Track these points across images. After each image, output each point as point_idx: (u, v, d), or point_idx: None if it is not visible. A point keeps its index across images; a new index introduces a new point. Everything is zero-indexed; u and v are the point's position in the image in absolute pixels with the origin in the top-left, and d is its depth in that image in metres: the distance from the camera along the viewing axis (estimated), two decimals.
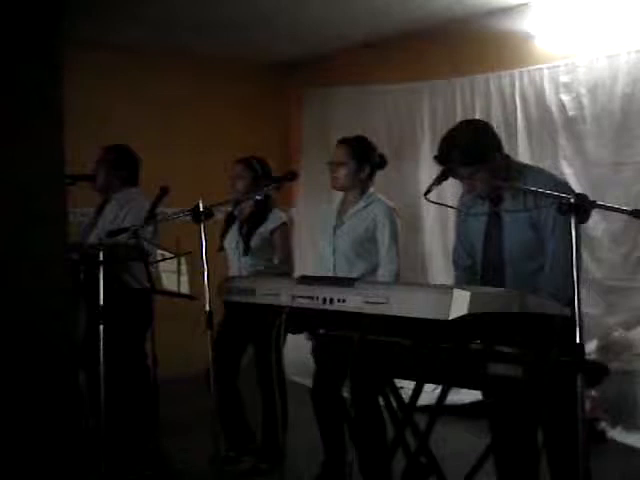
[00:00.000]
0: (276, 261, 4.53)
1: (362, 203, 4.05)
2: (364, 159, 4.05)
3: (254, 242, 4.49)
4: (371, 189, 4.09)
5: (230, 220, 4.67)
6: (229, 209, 4.77)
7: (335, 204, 4.22)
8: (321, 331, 3.20)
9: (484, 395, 3.39)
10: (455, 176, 3.17)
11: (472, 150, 3.15)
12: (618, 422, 5.13)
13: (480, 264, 3.32)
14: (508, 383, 2.53)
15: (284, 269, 4.48)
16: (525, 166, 3.41)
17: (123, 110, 6.63)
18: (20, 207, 3.29)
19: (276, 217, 4.54)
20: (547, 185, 2.95)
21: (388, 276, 3.93)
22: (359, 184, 4.06)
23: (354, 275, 3.87)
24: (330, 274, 3.98)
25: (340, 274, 3.94)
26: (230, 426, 4.58)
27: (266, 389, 4.44)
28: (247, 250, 4.49)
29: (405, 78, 6.78)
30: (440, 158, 3.19)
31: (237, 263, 4.54)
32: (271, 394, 4.46)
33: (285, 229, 4.57)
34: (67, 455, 3.38)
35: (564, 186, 3.18)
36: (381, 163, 4.14)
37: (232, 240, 4.59)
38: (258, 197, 4.46)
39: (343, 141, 4.12)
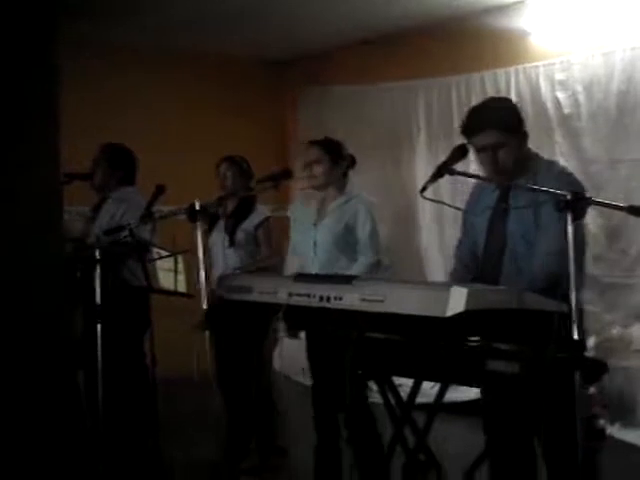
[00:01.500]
0: (260, 255, 4.58)
1: (343, 198, 4.07)
2: (337, 156, 4.08)
3: (238, 237, 4.54)
4: (348, 186, 4.12)
5: (214, 219, 4.66)
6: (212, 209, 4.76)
7: (312, 205, 4.20)
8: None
9: (482, 393, 3.35)
10: (482, 148, 3.05)
11: (507, 117, 3.12)
12: (617, 419, 5.13)
13: (481, 257, 3.26)
14: (505, 380, 2.52)
15: (269, 263, 4.52)
16: (537, 156, 3.26)
17: (120, 109, 6.62)
18: (16, 209, 3.29)
19: (260, 213, 4.61)
20: (560, 177, 2.98)
21: (362, 267, 3.90)
22: (336, 181, 4.08)
23: (335, 269, 3.91)
24: (312, 269, 4.00)
25: (321, 268, 3.98)
26: (236, 426, 4.53)
27: (259, 386, 4.46)
28: (232, 243, 4.53)
29: (404, 76, 6.76)
30: (471, 126, 3.09)
31: (221, 257, 4.56)
32: (265, 391, 4.48)
33: (269, 224, 4.62)
34: (65, 455, 3.38)
35: (574, 180, 3.09)
36: (352, 162, 4.17)
37: (218, 237, 4.60)
38: (251, 192, 4.55)
39: (313, 142, 4.16)
